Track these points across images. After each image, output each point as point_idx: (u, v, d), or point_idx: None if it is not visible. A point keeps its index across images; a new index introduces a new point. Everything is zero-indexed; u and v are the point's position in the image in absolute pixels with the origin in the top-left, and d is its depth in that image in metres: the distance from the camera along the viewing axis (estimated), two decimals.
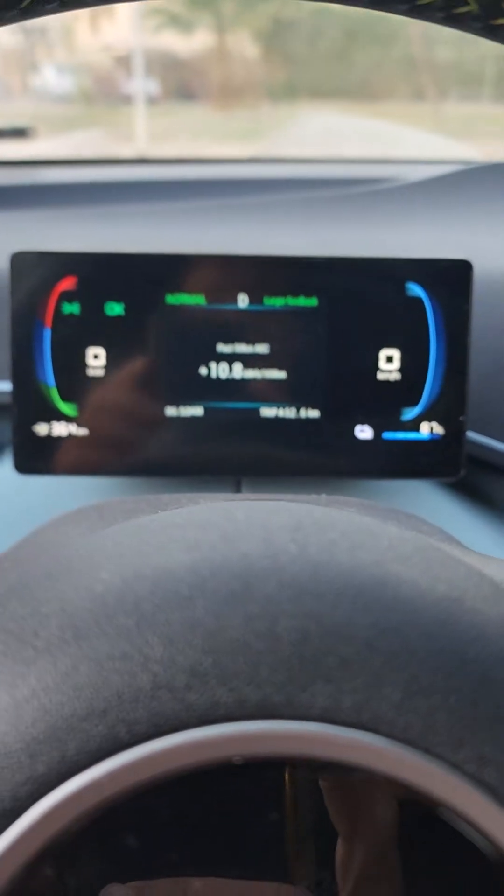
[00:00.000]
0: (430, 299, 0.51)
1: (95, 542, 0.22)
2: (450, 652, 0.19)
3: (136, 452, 0.52)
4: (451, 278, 0.51)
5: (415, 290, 0.51)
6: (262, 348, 0.52)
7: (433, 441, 0.52)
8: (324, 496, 0.47)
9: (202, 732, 0.18)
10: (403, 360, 0.52)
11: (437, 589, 0.20)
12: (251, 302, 0.51)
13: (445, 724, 0.18)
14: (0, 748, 0.18)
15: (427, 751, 0.18)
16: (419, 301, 0.51)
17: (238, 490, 0.56)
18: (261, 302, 0.51)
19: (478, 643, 0.19)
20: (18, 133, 1.00)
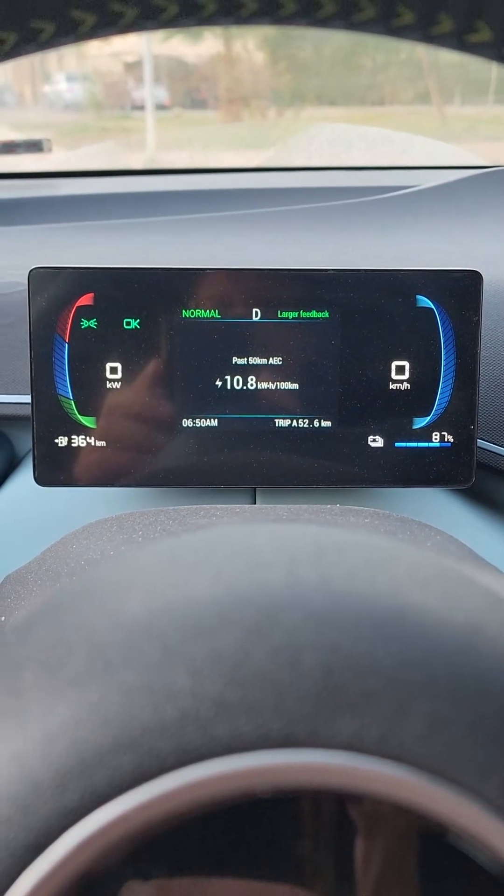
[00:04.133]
0: (441, 310, 0.52)
1: (120, 567, 0.23)
2: (472, 682, 0.19)
3: (152, 463, 0.53)
4: (461, 289, 0.52)
5: (425, 301, 0.52)
6: (275, 360, 0.53)
7: (444, 449, 0.53)
8: (337, 506, 0.48)
9: (227, 763, 0.18)
10: (414, 370, 0.53)
11: (457, 617, 0.20)
12: (264, 315, 0.52)
13: (470, 754, 0.18)
14: (30, 780, 0.18)
15: (452, 781, 0.18)
16: (430, 312, 0.52)
17: (253, 499, 0.57)
18: (274, 315, 0.52)
19: (500, 673, 0.19)
20: (34, 146, 1.01)
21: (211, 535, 0.23)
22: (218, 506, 0.45)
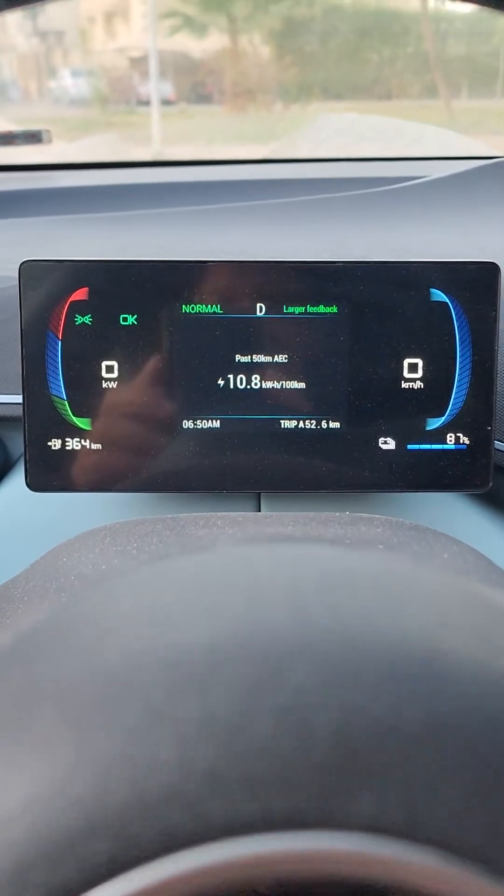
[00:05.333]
0: (455, 305, 0.49)
1: (104, 598, 0.19)
2: None
3: (151, 467, 0.50)
4: (477, 282, 0.49)
5: (439, 295, 0.49)
6: (281, 358, 0.50)
7: (459, 452, 0.50)
8: (347, 514, 0.45)
9: (222, 850, 0.15)
10: (427, 368, 0.50)
11: (496, 664, 0.17)
12: (269, 310, 0.49)
13: None
14: None
15: (494, 870, 0.15)
16: (444, 306, 0.49)
17: (258, 505, 0.55)
18: (279, 310, 0.49)
19: None
20: (33, 137, 0.98)
21: (206, 561, 0.20)
22: (219, 514, 0.42)
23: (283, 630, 0.17)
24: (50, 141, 0.99)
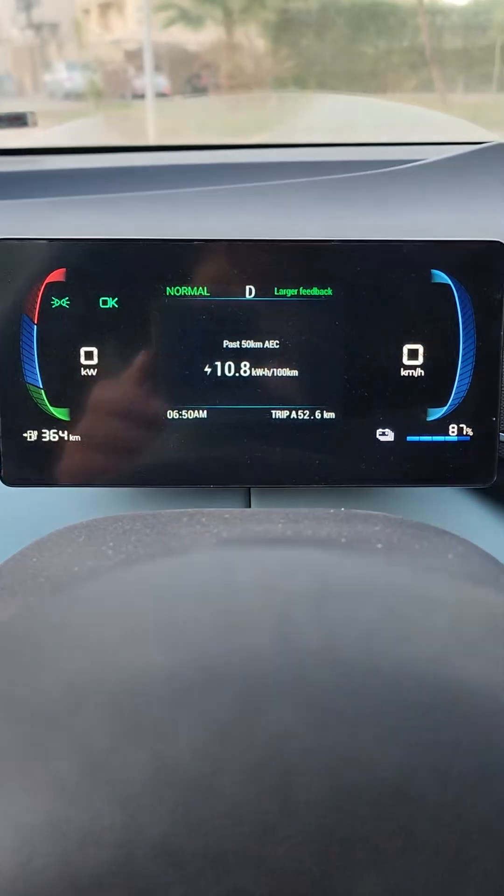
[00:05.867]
0: (458, 287, 0.46)
1: (57, 610, 0.16)
2: None
3: (134, 460, 0.47)
4: (481, 263, 0.46)
5: (441, 276, 0.46)
6: (272, 344, 0.47)
7: (462, 444, 0.47)
8: (343, 510, 0.42)
9: None
10: (428, 354, 0.47)
11: None
12: (259, 293, 0.46)
13: None
14: None
15: None
16: (446, 289, 0.46)
17: (248, 500, 0.52)
18: (270, 293, 0.46)
19: None
20: (17, 120, 0.95)
21: (179, 568, 0.17)
22: (204, 510, 0.39)
23: (261, 659, 0.13)
24: (35, 124, 0.96)
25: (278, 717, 0.12)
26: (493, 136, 0.94)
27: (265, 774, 0.12)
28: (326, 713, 0.12)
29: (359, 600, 0.15)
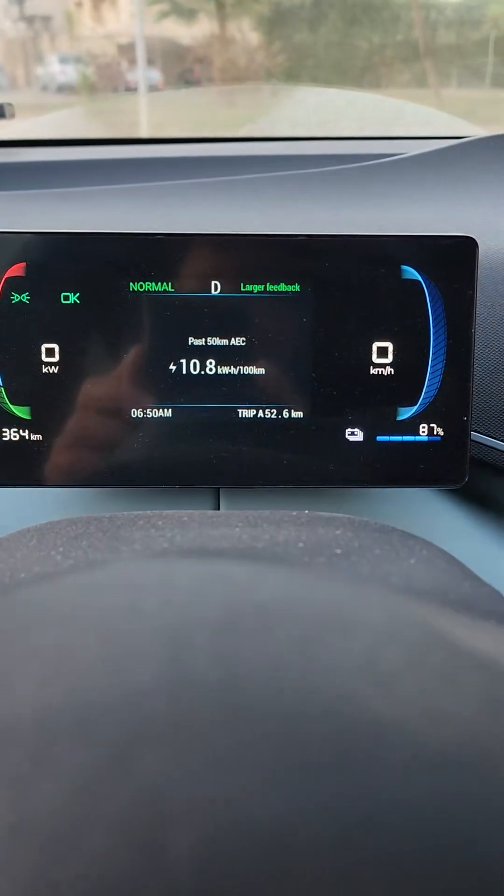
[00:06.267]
0: (429, 283, 0.45)
1: None
2: None
3: (97, 461, 0.46)
4: (453, 259, 0.45)
5: (411, 272, 0.45)
6: (238, 341, 0.45)
7: (433, 444, 0.46)
8: (305, 513, 0.40)
9: None
10: (398, 352, 0.46)
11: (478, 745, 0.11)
12: (225, 288, 0.45)
13: None
14: None
15: None
16: (416, 285, 0.45)
17: (217, 501, 0.50)
18: (236, 288, 0.45)
19: None
20: None
21: (84, 587, 0.15)
22: (163, 513, 0.38)
23: (145, 695, 0.12)
24: (13, 115, 0.94)
25: (153, 765, 0.11)
26: (476, 131, 0.93)
27: (134, 830, 0.10)
28: (210, 759, 0.11)
29: (270, 625, 0.13)
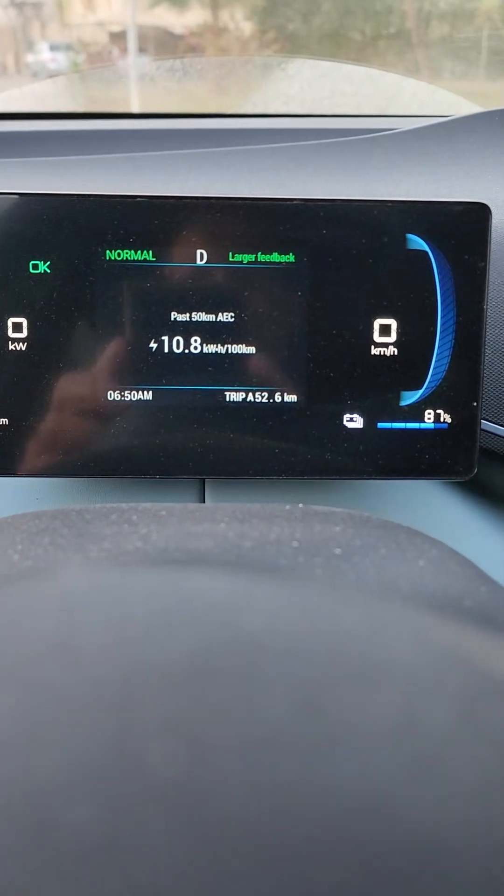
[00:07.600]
0: (436, 254, 0.41)
1: None
2: None
3: (70, 448, 0.42)
4: (463, 227, 0.41)
5: (417, 242, 0.41)
6: (226, 317, 0.41)
7: (439, 432, 0.42)
8: (300, 506, 0.36)
9: None
10: (402, 331, 0.41)
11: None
12: (212, 258, 0.41)
13: None
14: None
15: None
16: (423, 256, 0.41)
17: (202, 493, 0.46)
18: (224, 258, 0.41)
19: None
20: None
21: (60, 590, 0.11)
22: (139, 505, 0.34)
23: (56, 795, 0.08)
24: None
25: (77, 818, 0.07)
26: (473, 107, 0.89)
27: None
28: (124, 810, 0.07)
29: (257, 681, 0.09)
